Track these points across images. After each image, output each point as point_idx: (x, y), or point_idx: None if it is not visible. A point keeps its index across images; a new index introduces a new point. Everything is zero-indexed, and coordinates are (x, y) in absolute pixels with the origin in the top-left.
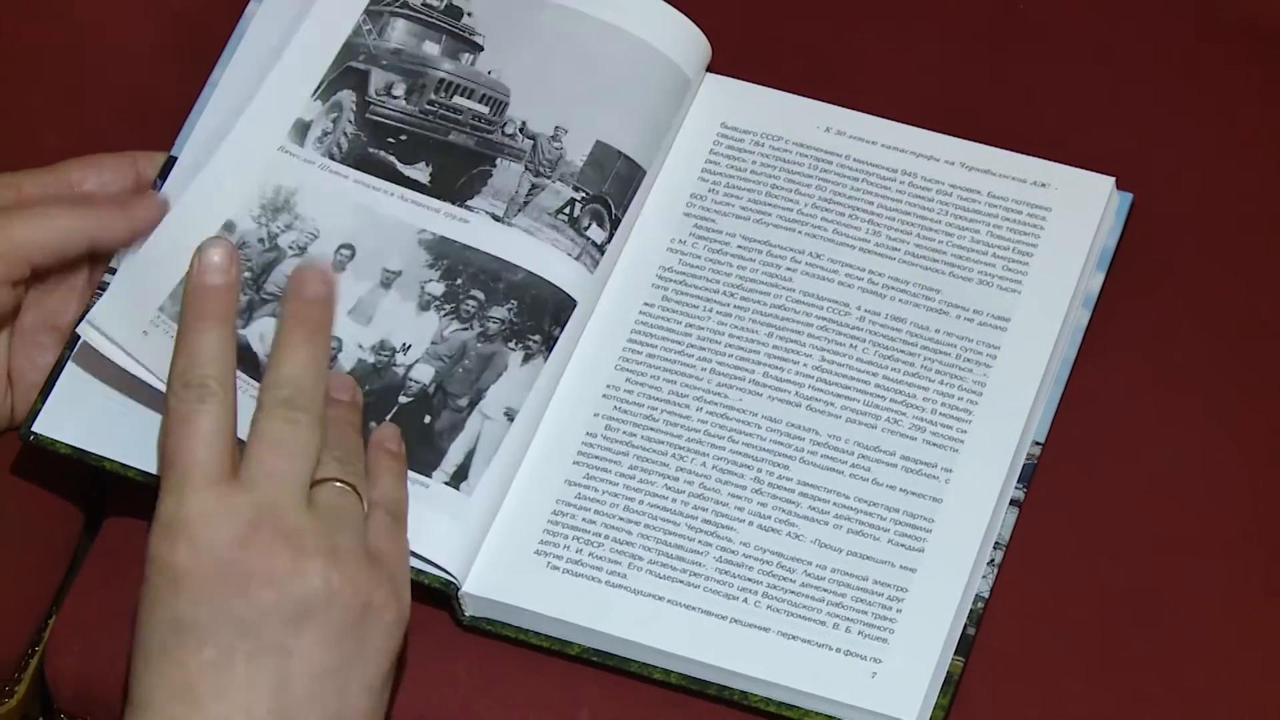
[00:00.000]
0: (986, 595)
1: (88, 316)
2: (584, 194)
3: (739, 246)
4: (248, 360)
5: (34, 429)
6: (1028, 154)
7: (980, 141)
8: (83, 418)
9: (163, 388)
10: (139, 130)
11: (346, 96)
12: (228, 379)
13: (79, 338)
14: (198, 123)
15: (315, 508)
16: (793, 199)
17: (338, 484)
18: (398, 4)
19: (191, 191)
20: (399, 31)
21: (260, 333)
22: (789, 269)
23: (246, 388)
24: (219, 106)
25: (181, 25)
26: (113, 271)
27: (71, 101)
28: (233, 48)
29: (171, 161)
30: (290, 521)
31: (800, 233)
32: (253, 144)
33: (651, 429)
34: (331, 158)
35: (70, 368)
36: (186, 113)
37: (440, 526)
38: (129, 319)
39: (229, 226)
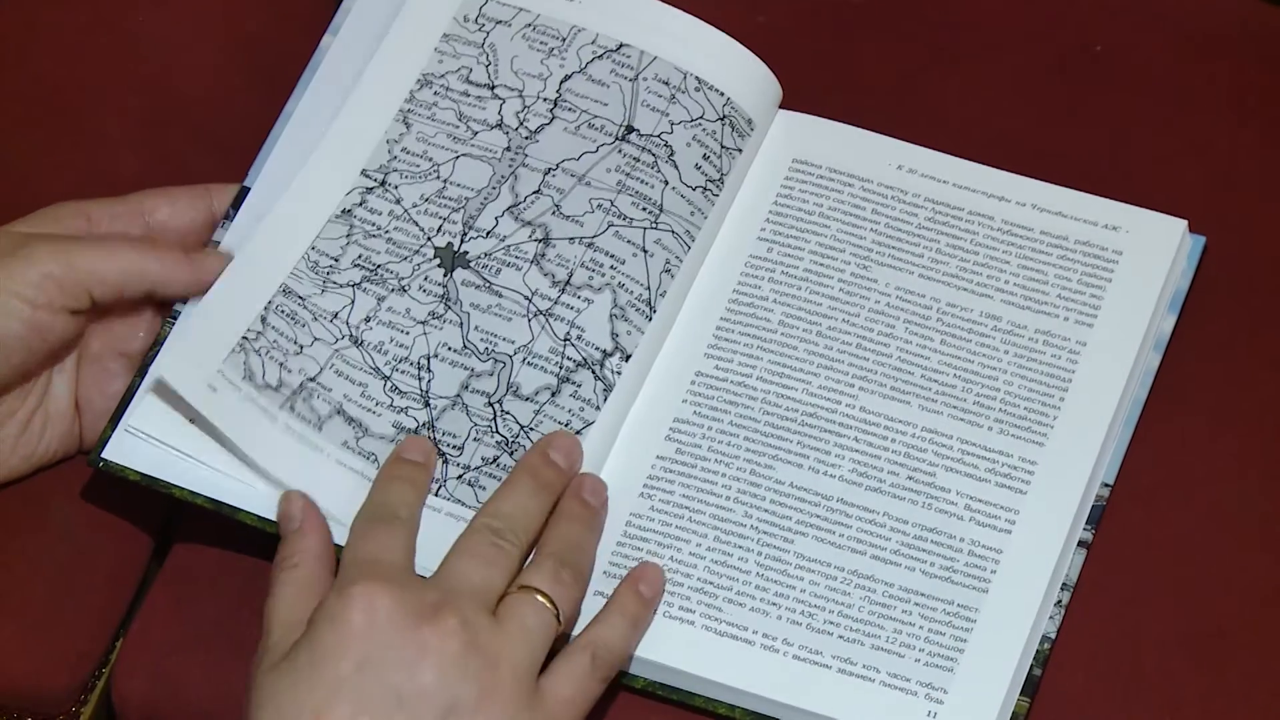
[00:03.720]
0: (1054, 636)
1: (154, 369)
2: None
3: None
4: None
5: (104, 456)
6: (1101, 194)
7: (1053, 181)
8: (152, 445)
9: (229, 447)
10: (214, 156)
11: None
12: (414, 519)
13: (149, 364)
14: (271, 154)
15: (501, 615)
16: (863, 233)
17: (539, 596)
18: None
19: (256, 241)
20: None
21: None
22: (860, 301)
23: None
24: (293, 139)
25: (256, 49)
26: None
27: (146, 127)
28: (307, 79)
29: (244, 192)
30: (469, 615)
31: (875, 265)
32: (315, 194)
33: (718, 458)
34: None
35: (140, 395)
36: (261, 137)
37: None
38: (196, 372)
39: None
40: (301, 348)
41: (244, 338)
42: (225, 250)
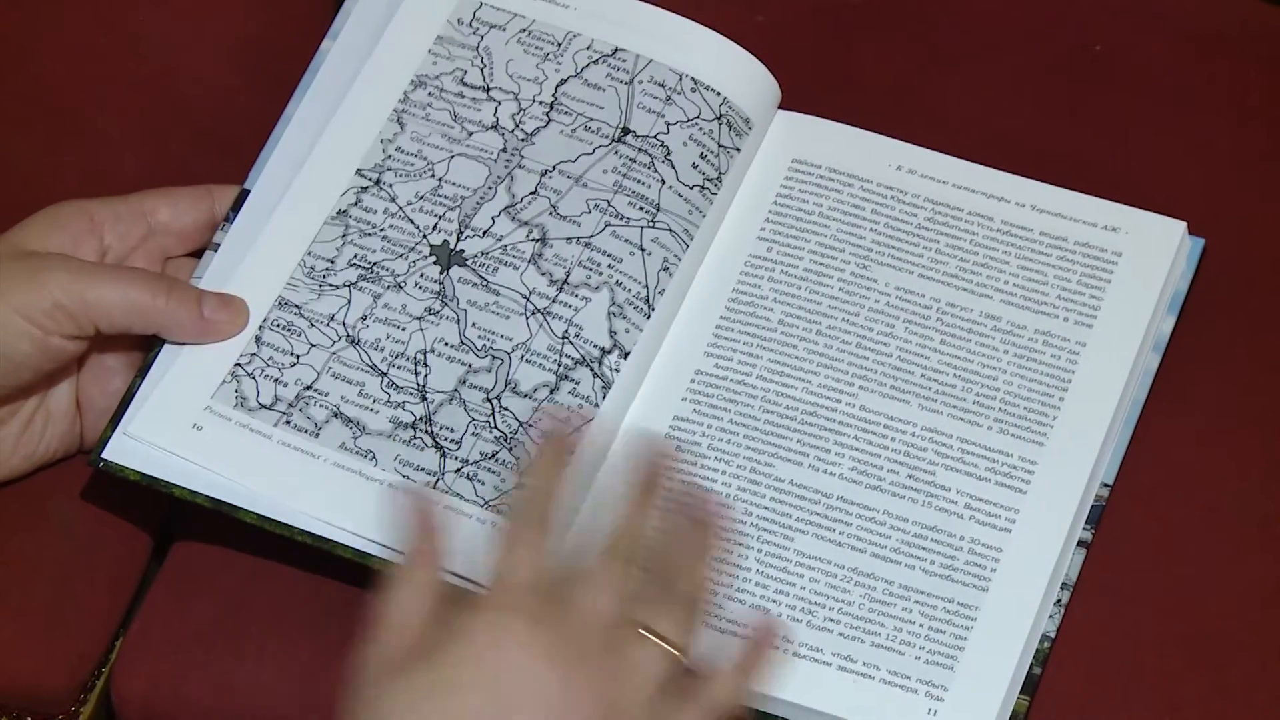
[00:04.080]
0: (1053, 635)
1: (121, 427)
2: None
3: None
4: None
5: (103, 456)
6: (1100, 195)
7: (1052, 182)
8: (152, 447)
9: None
10: (215, 156)
11: None
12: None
13: (149, 365)
14: (271, 157)
15: (614, 650)
16: (862, 233)
17: (660, 642)
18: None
19: (248, 264)
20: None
21: None
22: (860, 301)
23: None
24: (293, 142)
25: (257, 50)
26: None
27: (147, 127)
28: (307, 82)
29: (244, 195)
30: (577, 649)
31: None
32: (301, 219)
33: (717, 456)
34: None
35: (140, 395)
36: (262, 138)
37: None
38: (178, 416)
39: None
40: (298, 358)
41: (236, 364)
42: (243, 304)
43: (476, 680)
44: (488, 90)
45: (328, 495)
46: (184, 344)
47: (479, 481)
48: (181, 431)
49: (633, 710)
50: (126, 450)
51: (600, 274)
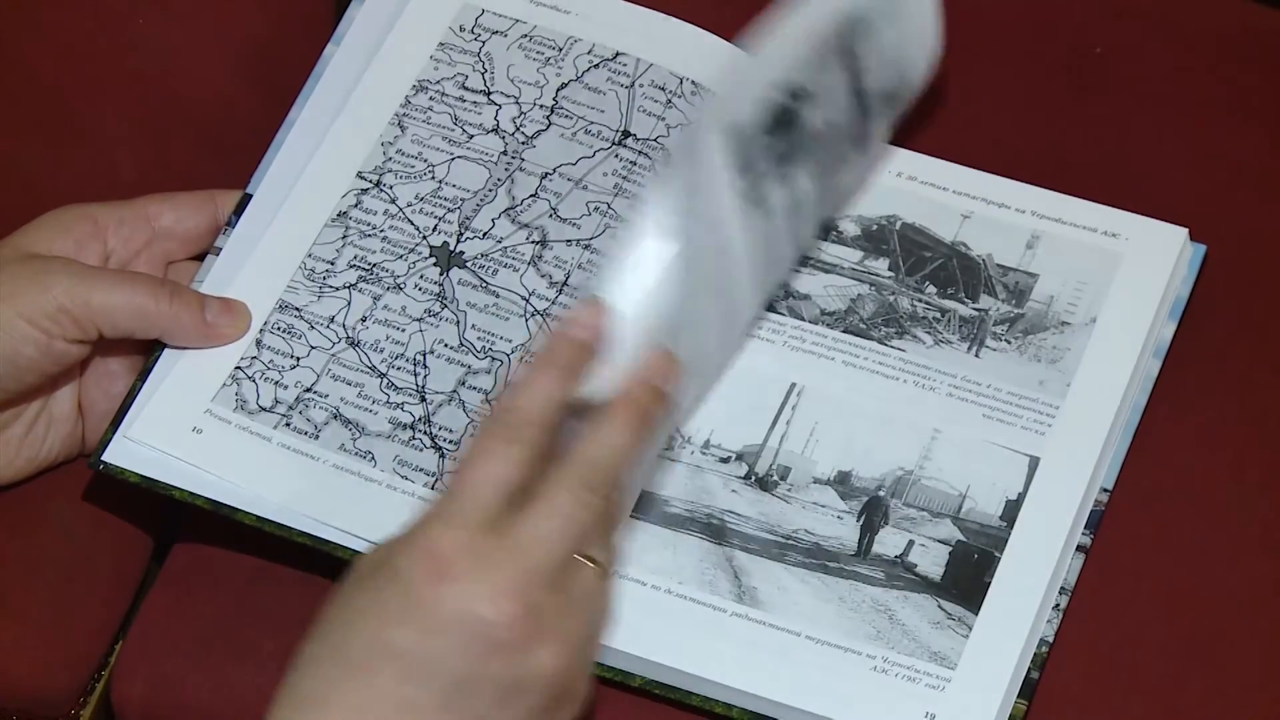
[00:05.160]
0: (1052, 640)
1: (121, 430)
2: None
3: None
4: None
5: (104, 458)
6: (1101, 201)
7: (1052, 187)
8: (152, 450)
9: (220, 481)
10: (218, 161)
11: None
12: (544, 435)
13: (149, 368)
14: (273, 162)
15: (567, 587)
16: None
17: (592, 566)
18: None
19: (249, 269)
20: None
21: None
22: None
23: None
24: (295, 147)
25: (260, 55)
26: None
27: (150, 132)
28: (311, 87)
29: (246, 199)
30: (539, 596)
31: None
32: (302, 221)
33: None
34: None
35: (140, 398)
36: (265, 143)
37: None
38: (175, 420)
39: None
40: (298, 360)
41: (236, 367)
42: (245, 310)
43: (410, 617)
44: (489, 94)
45: (327, 497)
46: (186, 349)
47: None
48: (181, 434)
49: (577, 637)
50: (127, 453)
51: None
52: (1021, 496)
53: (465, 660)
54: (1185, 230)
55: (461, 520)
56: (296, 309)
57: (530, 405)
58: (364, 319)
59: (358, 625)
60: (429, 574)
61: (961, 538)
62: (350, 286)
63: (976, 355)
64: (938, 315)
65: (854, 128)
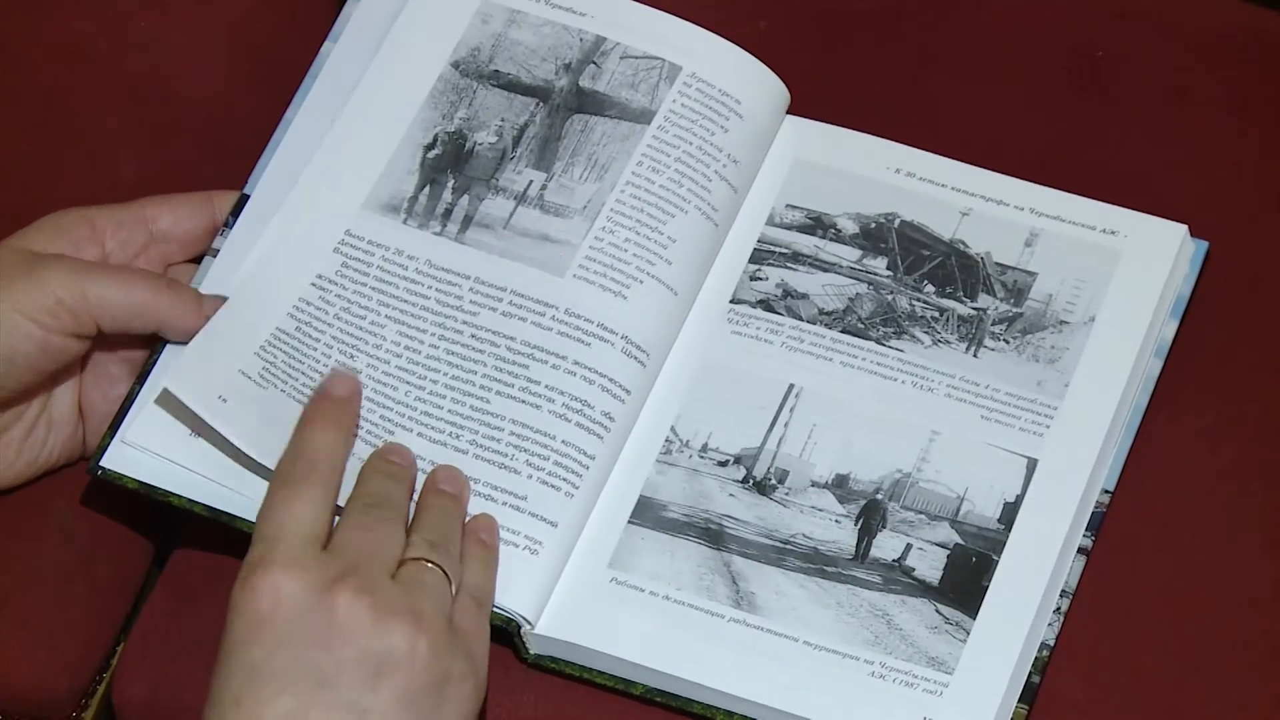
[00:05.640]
0: (1052, 643)
1: (119, 435)
2: None
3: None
4: None
5: (102, 464)
6: (1102, 199)
7: (1053, 186)
8: (150, 455)
9: (244, 447)
10: (215, 161)
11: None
12: (335, 475)
13: (148, 371)
14: (271, 162)
15: (400, 578)
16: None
17: (427, 564)
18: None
19: (267, 255)
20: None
21: None
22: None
23: None
24: (293, 147)
25: (258, 55)
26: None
27: (148, 133)
28: (308, 86)
29: (244, 200)
30: (374, 581)
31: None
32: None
33: None
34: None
35: (138, 404)
36: (263, 143)
37: (518, 571)
38: (205, 385)
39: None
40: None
41: (268, 339)
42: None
43: (258, 635)
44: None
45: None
46: (184, 343)
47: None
48: (178, 439)
49: (428, 612)
50: (124, 458)
51: None
52: (1019, 499)
53: (316, 652)
54: (1184, 227)
55: (280, 541)
56: (298, 315)
57: (313, 443)
58: (382, 312)
59: (228, 665)
60: (260, 592)
61: (959, 541)
62: (350, 287)
63: (975, 355)
64: (936, 314)
65: None
